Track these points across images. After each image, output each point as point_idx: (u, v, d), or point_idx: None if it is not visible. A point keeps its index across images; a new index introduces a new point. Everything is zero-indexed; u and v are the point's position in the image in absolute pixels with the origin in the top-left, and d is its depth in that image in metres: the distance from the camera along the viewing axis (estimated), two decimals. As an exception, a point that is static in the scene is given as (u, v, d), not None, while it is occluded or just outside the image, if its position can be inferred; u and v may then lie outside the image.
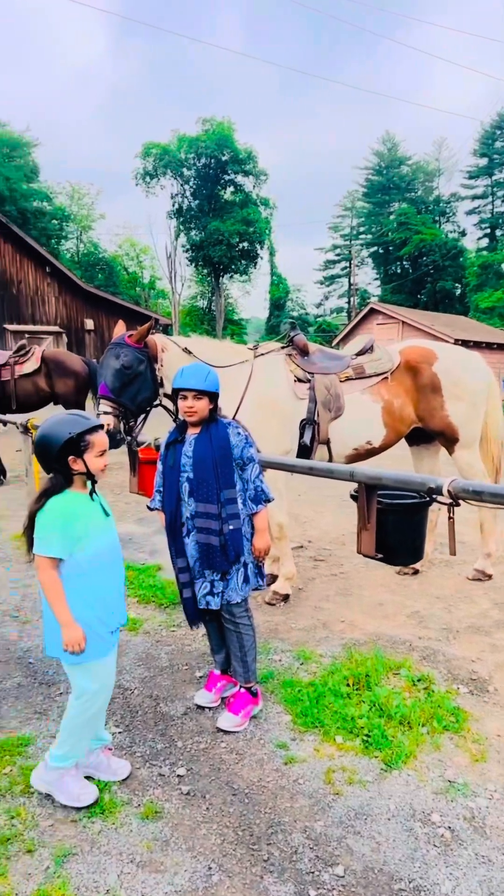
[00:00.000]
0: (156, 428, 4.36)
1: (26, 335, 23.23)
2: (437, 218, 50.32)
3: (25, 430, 5.93)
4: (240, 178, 39.18)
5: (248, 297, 64.52)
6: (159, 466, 3.00)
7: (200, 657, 3.60)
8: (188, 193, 39.60)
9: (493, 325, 32.03)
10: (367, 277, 54.42)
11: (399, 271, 50.13)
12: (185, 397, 2.85)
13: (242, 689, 2.99)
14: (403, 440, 4.81)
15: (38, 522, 2.31)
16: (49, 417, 2.40)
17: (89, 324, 26.52)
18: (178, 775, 2.60)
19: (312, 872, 2.10)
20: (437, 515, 4.87)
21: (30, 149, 43.44)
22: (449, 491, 2.48)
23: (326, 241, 57.76)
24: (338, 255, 55.40)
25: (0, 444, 9.08)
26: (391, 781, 2.55)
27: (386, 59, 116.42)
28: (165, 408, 4.22)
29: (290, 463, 3.44)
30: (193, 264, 41.55)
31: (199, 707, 3.08)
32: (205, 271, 42.27)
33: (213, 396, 2.88)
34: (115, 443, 3.88)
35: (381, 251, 51.30)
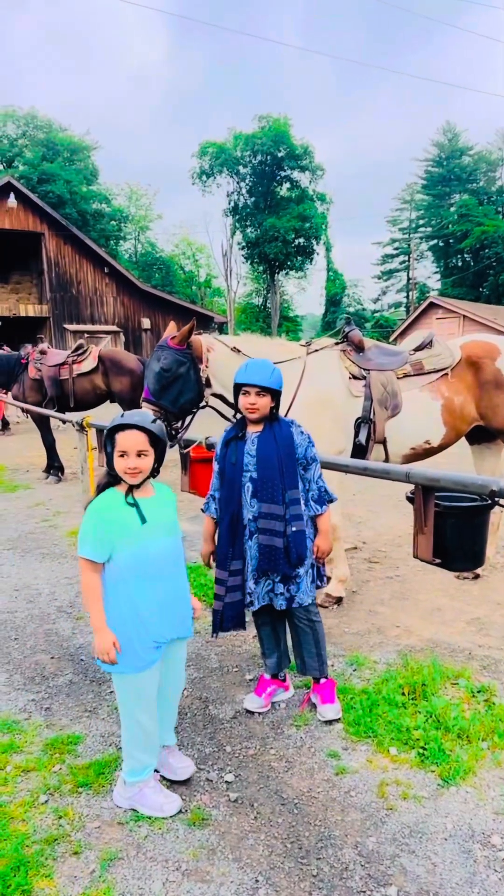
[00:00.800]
0: (206, 428, 4.32)
1: (85, 335, 23.85)
2: (499, 209, 48.71)
3: (81, 427, 6.00)
4: (296, 174, 39.05)
5: (303, 293, 64.19)
6: (216, 466, 2.94)
7: (250, 659, 3.55)
8: (244, 191, 39.72)
9: None
10: (426, 271, 53.37)
11: (460, 264, 48.77)
12: (247, 393, 2.77)
13: (324, 681, 3.00)
14: (464, 439, 4.63)
15: (83, 520, 2.29)
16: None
17: (146, 323, 26.98)
18: (227, 781, 2.54)
19: (364, 892, 2.01)
20: (499, 517, 4.66)
21: (89, 152, 44.56)
22: (513, 494, 2.34)
23: (384, 235, 56.74)
24: (396, 248, 54.38)
25: (59, 442, 9.27)
26: (448, 798, 2.42)
27: (447, 47, 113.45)
28: (214, 408, 4.18)
29: (344, 463, 3.34)
30: (249, 261, 41.65)
31: (249, 712, 3.02)
32: (260, 268, 42.29)
33: (275, 394, 2.81)
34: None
35: (440, 244, 50.04)
